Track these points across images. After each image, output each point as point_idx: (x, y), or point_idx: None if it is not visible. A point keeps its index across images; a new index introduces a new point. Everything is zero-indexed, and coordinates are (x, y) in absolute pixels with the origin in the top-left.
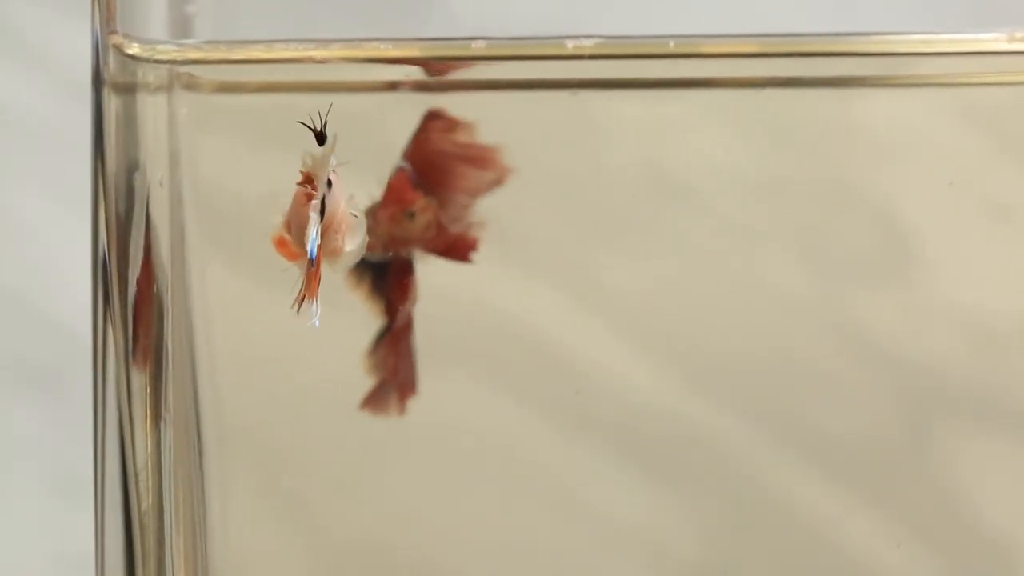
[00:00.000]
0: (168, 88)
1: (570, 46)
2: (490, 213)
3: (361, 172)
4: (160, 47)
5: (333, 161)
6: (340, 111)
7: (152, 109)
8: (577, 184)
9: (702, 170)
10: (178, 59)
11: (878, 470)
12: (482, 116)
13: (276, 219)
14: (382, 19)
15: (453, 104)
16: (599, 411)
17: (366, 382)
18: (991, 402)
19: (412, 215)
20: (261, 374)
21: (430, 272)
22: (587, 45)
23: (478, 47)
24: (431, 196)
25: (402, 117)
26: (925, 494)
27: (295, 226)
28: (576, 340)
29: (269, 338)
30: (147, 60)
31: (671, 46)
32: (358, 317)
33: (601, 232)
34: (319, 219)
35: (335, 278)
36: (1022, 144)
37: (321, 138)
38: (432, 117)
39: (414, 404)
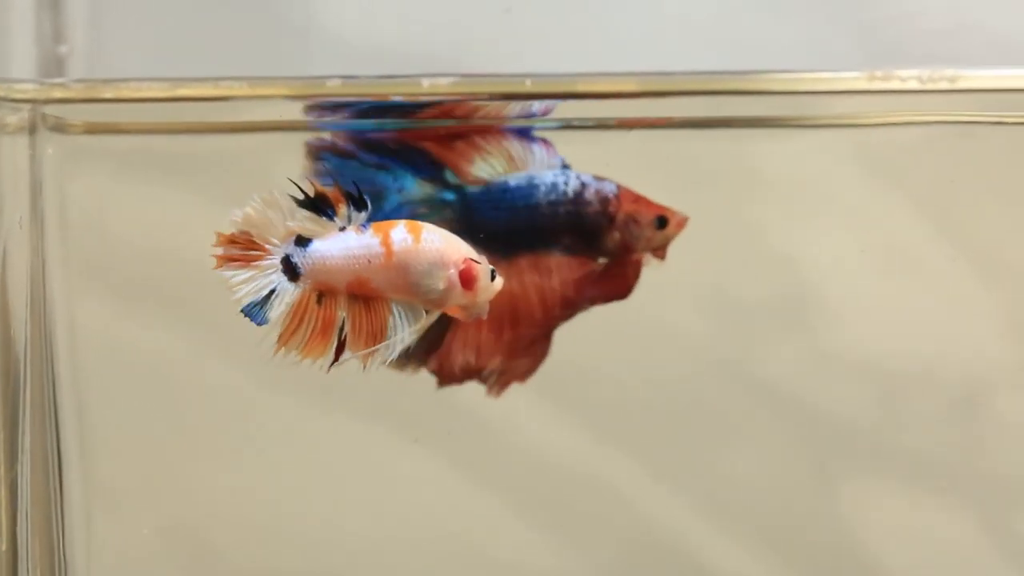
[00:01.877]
0: (32, 129)
1: (426, 84)
2: None
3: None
4: (18, 86)
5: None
6: (215, 150)
7: (11, 150)
8: None
9: None
10: (39, 98)
11: (779, 513)
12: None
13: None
14: (259, 58)
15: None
16: (497, 453)
17: (240, 416)
18: (890, 446)
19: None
20: (128, 410)
21: None
22: (444, 84)
23: (333, 85)
24: None
25: (271, 156)
26: (824, 536)
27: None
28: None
29: (136, 374)
30: (5, 99)
31: (527, 85)
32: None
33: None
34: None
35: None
36: (919, 186)
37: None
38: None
39: (278, 437)
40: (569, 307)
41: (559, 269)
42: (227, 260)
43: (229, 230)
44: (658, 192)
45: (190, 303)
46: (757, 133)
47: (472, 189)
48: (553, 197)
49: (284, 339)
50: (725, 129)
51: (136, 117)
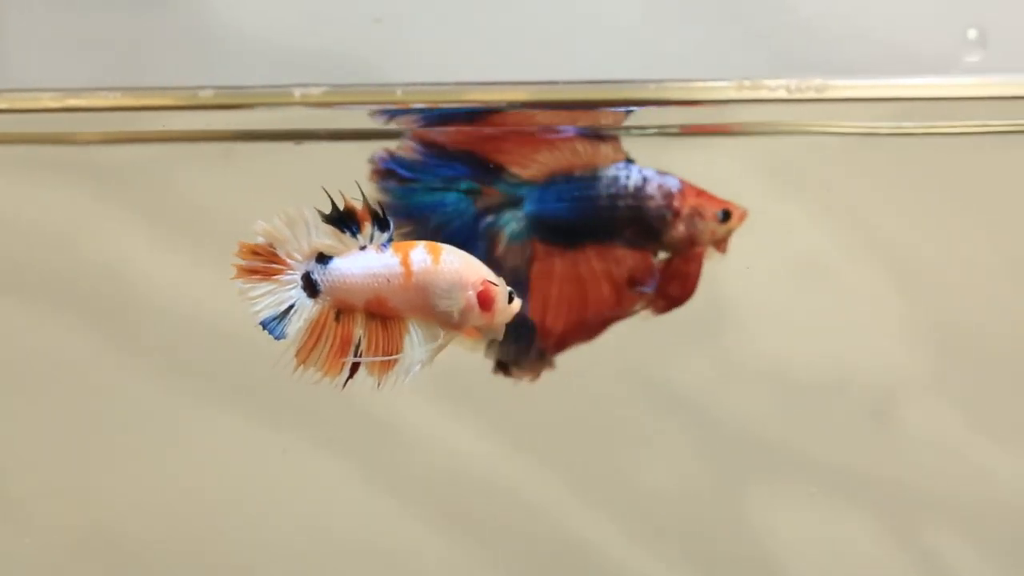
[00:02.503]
0: None
1: (298, 94)
2: None
3: (135, 220)
4: None
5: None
6: (110, 159)
7: None
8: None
9: None
10: None
11: (688, 523)
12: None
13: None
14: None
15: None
16: (404, 460)
17: (136, 420)
18: (800, 456)
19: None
20: (22, 415)
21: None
22: (315, 93)
23: (206, 95)
24: None
25: (164, 166)
26: (734, 546)
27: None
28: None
29: (35, 377)
30: None
31: (398, 94)
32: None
33: None
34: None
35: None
36: (828, 195)
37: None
38: None
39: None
40: (630, 301)
41: (624, 260)
42: (248, 272)
43: (251, 241)
44: None
45: (87, 307)
46: (660, 141)
47: (533, 185)
48: (613, 190)
49: (303, 356)
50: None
51: (27, 127)
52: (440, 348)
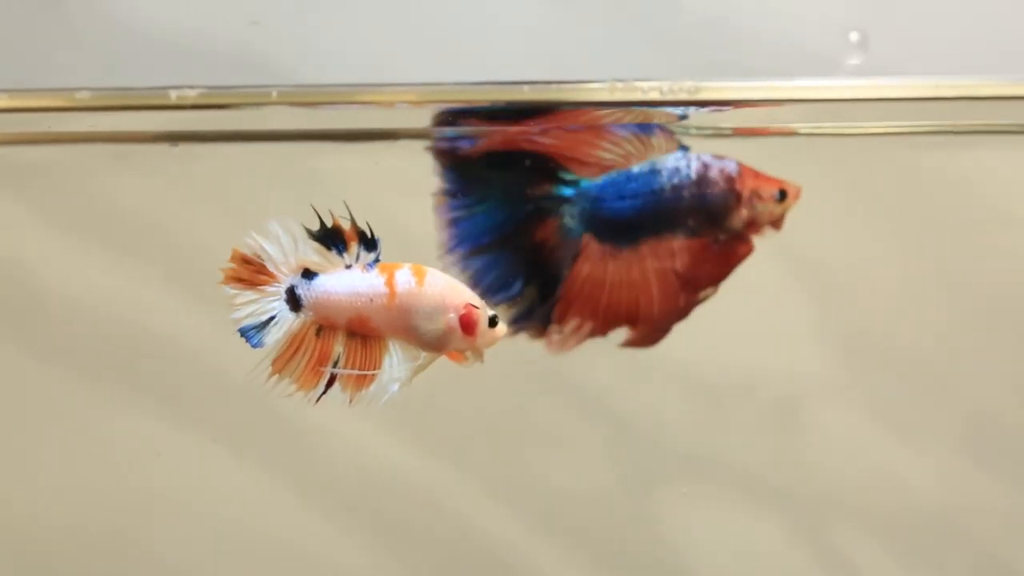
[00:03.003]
0: None
1: (174, 96)
2: None
3: (30, 221)
4: None
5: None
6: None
7: None
8: None
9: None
10: None
11: (596, 522)
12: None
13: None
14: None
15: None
16: (315, 459)
17: (38, 417)
18: (709, 456)
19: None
20: None
21: None
22: (191, 95)
23: (83, 97)
24: None
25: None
26: (642, 546)
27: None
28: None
29: None
30: None
31: (273, 96)
32: None
33: None
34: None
35: None
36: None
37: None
38: None
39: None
40: (690, 290)
41: (680, 252)
42: (235, 279)
43: (244, 251)
44: None
45: None
46: None
47: (592, 182)
48: (676, 181)
49: (278, 366)
50: None
51: None
52: (420, 368)
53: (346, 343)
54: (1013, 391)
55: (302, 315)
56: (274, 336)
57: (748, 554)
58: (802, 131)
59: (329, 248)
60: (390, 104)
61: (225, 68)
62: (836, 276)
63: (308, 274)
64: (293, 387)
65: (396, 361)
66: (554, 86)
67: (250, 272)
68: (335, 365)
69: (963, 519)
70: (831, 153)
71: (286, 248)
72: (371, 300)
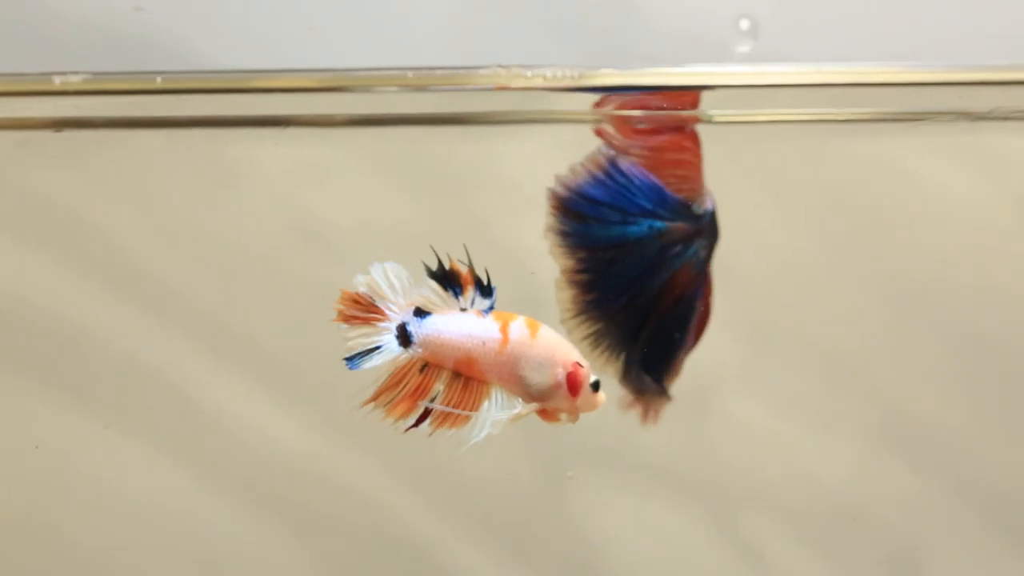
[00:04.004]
0: None
1: (57, 82)
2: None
3: None
4: None
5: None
6: None
7: None
8: (214, 230)
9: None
10: None
11: (511, 512)
12: None
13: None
14: None
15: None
16: (225, 448)
17: None
18: (622, 445)
19: None
20: None
21: None
22: (75, 81)
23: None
24: None
25: None
26: (556, 535)
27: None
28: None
29: None
30: None
31: (158, 82)
32: None
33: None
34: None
35: None
36: None
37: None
38: None
39: None
40: None
41: None
42: (347, 318)
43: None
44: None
45: None
46: (478, 130)
47: (711, 207)
48: None
49: (377, 395)
50: (421, 126)
51: None
52: (518, 417)
53: (448, 382)
54: (926, 384)
55: (410, 351)
56: (374, 364)
57: (660, 544)
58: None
59: (446, 289)
60: (278, 91)
61: (111, 54)
62: (747, 266)
63: (420, 312)
64: (384, 414)
65: (495, 406)
66: (438, 71)
67: (360, 311)
68: (432, 400)
69: (874, 511)
70: (735, 140)
71: (398, 288)
72: (483, 344)
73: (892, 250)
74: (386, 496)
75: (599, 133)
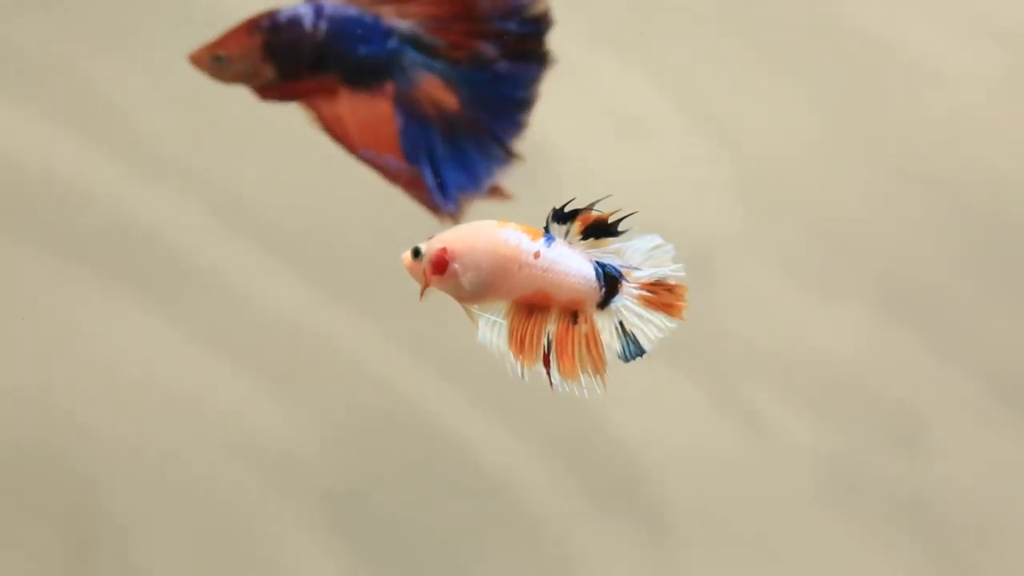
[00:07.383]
0: None
1: None
2: None
3: None
4: None
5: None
6: None
7: None
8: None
9: None
10: None
11: (514, 385)
12: None
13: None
14: None
15: None
16: (224, 309)
17: None
18: None
19: None
20: None
21: None
22: None
23: None
24: None
25: None
26: (560, 411)
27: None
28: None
29: None
30: None
31: None
32: None
33: None
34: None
35: None
36: (654, 56)
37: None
38: None
39: None
40: None
41: None
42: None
43: None
44: None
45: None
46: None
47: None
48: None
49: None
50: None
51: None
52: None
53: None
54: (927, 249)
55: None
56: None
57: (661, 410)
58: None
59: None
60: None
61: None
62: (749, 133)
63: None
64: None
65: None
66: None
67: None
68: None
69: (876, 378)
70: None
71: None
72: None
73: (899, 116)
74: (385, 360)
75: None
